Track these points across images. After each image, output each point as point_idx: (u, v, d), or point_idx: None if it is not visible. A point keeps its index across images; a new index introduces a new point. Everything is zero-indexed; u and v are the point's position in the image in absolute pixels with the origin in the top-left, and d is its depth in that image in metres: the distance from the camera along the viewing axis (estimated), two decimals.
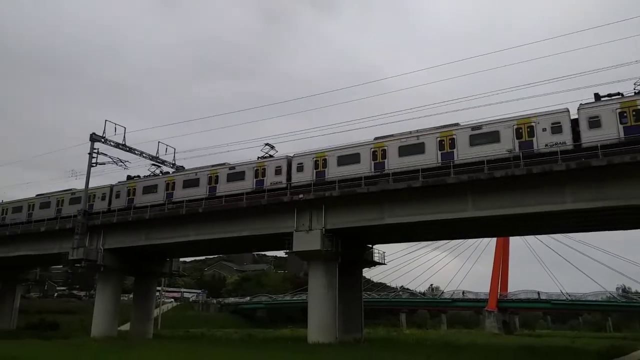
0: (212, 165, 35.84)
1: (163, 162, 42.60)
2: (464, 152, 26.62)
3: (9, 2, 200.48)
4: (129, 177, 40.95)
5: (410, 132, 29.10)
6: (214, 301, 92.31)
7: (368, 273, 59.96)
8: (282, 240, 31.73)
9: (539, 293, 70.10)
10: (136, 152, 41.21)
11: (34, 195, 45.96)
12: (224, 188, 34.04)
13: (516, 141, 25.28)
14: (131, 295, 51.70)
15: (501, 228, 35.76)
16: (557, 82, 27.95)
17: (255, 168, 33.25)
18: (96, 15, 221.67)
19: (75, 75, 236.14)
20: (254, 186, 32.78)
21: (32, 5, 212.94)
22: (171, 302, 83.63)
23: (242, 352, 22.97)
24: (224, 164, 35.54)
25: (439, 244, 72.40)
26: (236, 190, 33.24)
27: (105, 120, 39.46)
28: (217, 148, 64.73)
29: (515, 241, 77.79)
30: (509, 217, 26.98)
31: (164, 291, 70.39)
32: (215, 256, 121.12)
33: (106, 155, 39.90)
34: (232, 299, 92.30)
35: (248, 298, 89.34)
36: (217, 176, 34.80)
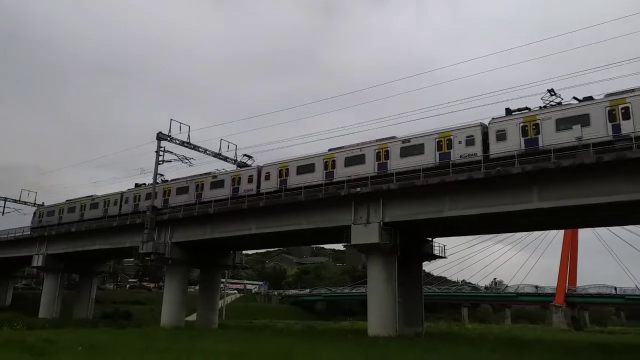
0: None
1: (226, 159, 43.94)
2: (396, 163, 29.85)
3: (75, 9, 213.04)
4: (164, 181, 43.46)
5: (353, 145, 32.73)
6: (275, 293, 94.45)
7: (428, 267, 59.15)
8: (341, 233, 31.98)
9: (615, 288, 66.20)
10: (200, 149, 42.77)
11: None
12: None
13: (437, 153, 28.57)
14: (197, 287, 53.88)
15: (569, 220, 34.03)
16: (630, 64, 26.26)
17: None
18: (155, 17, 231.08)
19: (138, 77, 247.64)
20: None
21: (95, 12, 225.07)
22: (234, 293, 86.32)
23: (304, 343, 23.42)
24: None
25: (502, 236, 70.23)
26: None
27: (171, 120, 41.22)
28: (277, 144, 65.81)
29: (584, 233, 73.93)
30: (576, 207, 25.72)
31: (227, 283, 72.77)
32: (276, 249, 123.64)
33: (172, 153, 41.73)
34: (292, 291, 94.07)
35: (308, 290, 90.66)
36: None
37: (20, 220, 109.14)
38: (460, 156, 27.70)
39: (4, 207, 67.25)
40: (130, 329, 33.27)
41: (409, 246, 32.60)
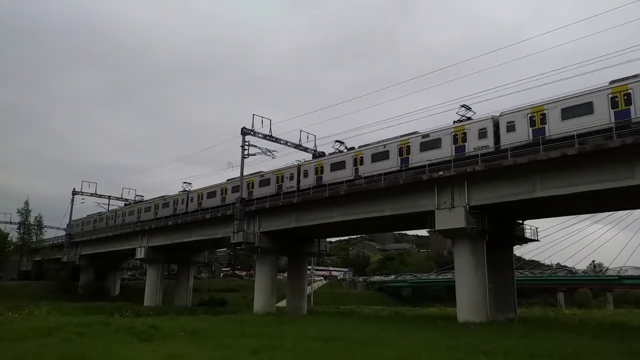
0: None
1: (306, 149, 44.86)
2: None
3: (154, 14, 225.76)
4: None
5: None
6: (360, 279, 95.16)
7: (519, 250, 56.57)
8: (424, 219, 31.54)
9: None
10: (281, 141, 44.04)
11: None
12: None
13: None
14: (286, 274, 55.75)
15: None
16: None
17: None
18: (229, 15, 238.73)
19: (220, 76, 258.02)
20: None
21: (174, 14, 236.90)
22: (321, 280, 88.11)
23: (393, 328, 23.53)
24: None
25: (600, 216, 65.17)
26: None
27: (253, 115, 42.76)
28: (355, 131, 65.78)
29: None
30: None
31: (314, 270, 74.46)
32: (358, 236, 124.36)
33: (256, 146, 43.34)
34: (377, 278, 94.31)
35: (393, 276, 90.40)
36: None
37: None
38: (474, 148, 28.96)
39: (109, 204, 74.01)
40: (226, 316, 35.19)
41: (498, 229, 31.42)
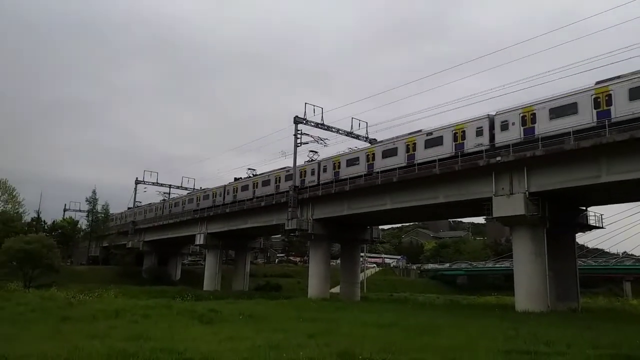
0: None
1: (357, 137, 44.78)
2: None
3: (207, 6, 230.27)
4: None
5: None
6: (414, 267, 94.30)
7: (582, 238, 54.14)
8: (480, 206, 30.77)
9: None
10: (333, 129, 44.22)
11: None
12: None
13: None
14: (339, 261, 56.17)
15: None
16: None
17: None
18: (279, 6, 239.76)
19: (271, 66, 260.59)
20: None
21: (226, 6, 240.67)
22: (373, 267, 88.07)
23: (448, 316, 23.28)
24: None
25: None
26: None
27: (305, 103, 43.17)
28: (408, 117, 64.82)
29: None
30: None
31: (366, 257, 74.54)
32: (411, 223, 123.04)
33: (308, 135, 43.73)
34: (431, 265, 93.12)
35: (447, 265, 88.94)
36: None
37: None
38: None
39: (169, 193, 77.19)
40: (282, 300, 35.98)
41: (560, 216, 30.21)
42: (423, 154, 33.92)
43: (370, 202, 38.40)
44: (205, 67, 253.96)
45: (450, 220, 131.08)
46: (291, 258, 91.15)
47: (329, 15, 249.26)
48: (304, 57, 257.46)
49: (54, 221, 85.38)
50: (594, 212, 34.21)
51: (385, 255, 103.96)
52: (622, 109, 24.35)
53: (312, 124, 43.42)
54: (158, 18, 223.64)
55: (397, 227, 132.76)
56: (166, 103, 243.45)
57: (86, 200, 79.63)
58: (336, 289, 50.88)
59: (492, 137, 30.19)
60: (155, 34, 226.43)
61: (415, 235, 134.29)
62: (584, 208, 34.03)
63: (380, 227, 53.47)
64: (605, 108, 25.00)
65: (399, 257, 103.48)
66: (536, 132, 27.65)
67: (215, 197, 58.22)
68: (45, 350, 9.79)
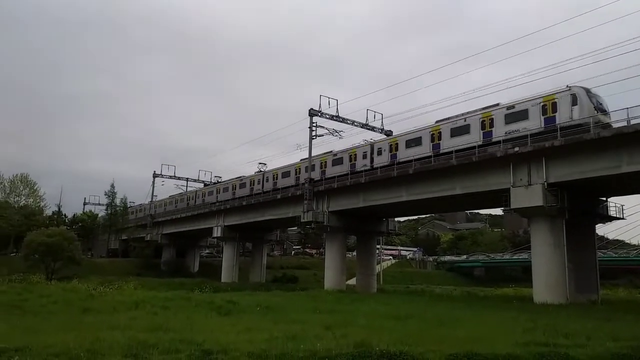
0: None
1: (372, 129, 44.59)
2: None
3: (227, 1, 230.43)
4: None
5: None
6: (430, 259, 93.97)
7: (602, 229, 53.27)
8: (497, 198, 30.51)
9: None
10: (348, 121, 44.09)
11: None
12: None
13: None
14: (355, 253, 56.24)
15: None
16: None
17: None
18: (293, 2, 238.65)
19: (285, 58, 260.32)
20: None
21: (246, 2, 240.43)
22: (389, 259, 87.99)
23: (466, 308, 23.18)
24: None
25: None
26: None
27: (320, 95, 43.06)
28: (422, 109, 64.34)
29: None
30: None
31: (382, 249, 74.49)
32: (428, 215, 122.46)
33: (323, 127, 43.69)
34: (448, 257, 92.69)
35: (464, 256, 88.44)
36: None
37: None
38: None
39: (187, 186, 77.98)
40: (298, 292, 36.21)
41: (579, 207, 29.80)
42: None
43: (386, 194, 38.29)
44: (218, 59, 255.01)
45: (468, 211, 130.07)
46: (307, 250, 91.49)
47: (342, 4, 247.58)
48: (317, 47, 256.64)
49: (74, 215, 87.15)
50: (614, 203, 33.70)
51: (402, 247, 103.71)
52: (499, 130, 30.60)
53: (327, 116, 43.35)
54: (172, 11, 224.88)
55: (414, 219, 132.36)
56: (182, 95, 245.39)
57: (105, 194, 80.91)
58: (352, 281, 50.98)
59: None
60: (169, 27, 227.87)
61: (431, 227, 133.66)
62: (604, 199, 33.50)
63: (396, 219, 53.34)
64: (488, 129, 31.42)
65: (415, 249, 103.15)
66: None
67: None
68: (68, 340, 10.01)
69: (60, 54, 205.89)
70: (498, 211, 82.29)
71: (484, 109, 32.26)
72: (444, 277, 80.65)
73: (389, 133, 43.58)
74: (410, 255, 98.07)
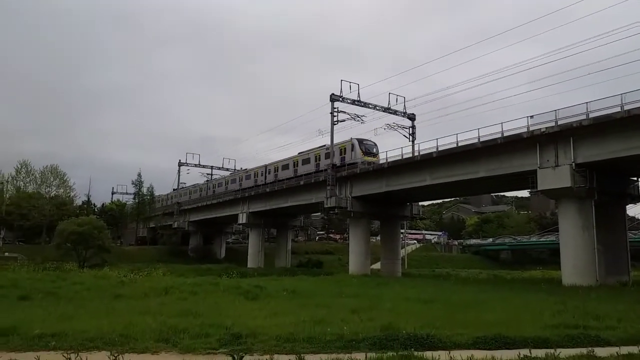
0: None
1: (395, 112, 44.17)
2: None
3: None
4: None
5: None
6: (455, 242, 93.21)
7: (633, 210, 51.80)
8: (523, 179, 29.98)
9: None
10: (370, 106, 43.76)
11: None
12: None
13: None
14: (379, 237, 56.20)
15: None
16: None
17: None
18: None
19: (303, 44, 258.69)
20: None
21: None
22: (414, 243, 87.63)
23: (492, 291, 23.02)
24: None
25: None
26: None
27: (341, 80, 42.81)
28: (446, 91, 63.18)
29: None
30: None
31: (406, 233, 74.22)
32: (452, 199, 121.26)
33: (345, 112, 43.48)
34: (473, 241, 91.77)
35: (490, 240, 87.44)
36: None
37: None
38: None
39: (211, 174, 78.85)
40: (323, 277, 36.44)
41: (609, 188, 29.06)
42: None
43: (409, 179, 38.04)
44: (236, 47, 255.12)
45: (493, 194, 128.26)
46: (331, 235, 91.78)
47: None
48: (334, 33, 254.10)
49: (103, 204, 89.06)
50: None
51: (426, 232, 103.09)
52: (322, 163, 45.69)
53: (349, 101, 43.09)
54: (187, 1, 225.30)
55: (438, 203, 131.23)
56: (202, 86, 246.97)
57: (132, 183, 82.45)
58: (377, 266, 51.03)
59: None
60: (185, 17, 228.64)
61: (456, 210, 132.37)
62: (635, 179, 32.59)
63: (420, 203, 53.04)
64: (317, 162, 47.38)
65: (439, 233, 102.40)
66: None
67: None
68: (102, 326, 10.34)
69: (79, 50, 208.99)
70: (524, 193, 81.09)
71: (318, 148, 48.12)
72: (469, 260, 80.00)
73: (411, 116, 43.13)
74: (435, 240, 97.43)
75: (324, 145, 46.89)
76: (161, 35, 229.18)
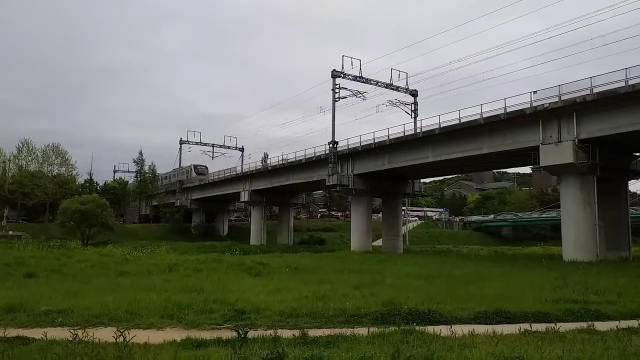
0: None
1: (397, 88, 43.77)
2: None
3: None
4: None
5: None
6: (457, 219, 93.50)
7: (635, 185, 51.88)
8: (525, 156, 29.89)
9: None
10: (372, 82, 43.30)
11: None
12: None
13: None
14: (380, 214, 56.43)
15: None
16: None
17: None
18: None
19: (305, 21, 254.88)
20: None
21: None
22: (415, 220, 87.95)
23: (493, 267, 23.18)
24: None
25: None
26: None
27: (343, 56, 42.22)
28: (450, 66, 61.99)
29: None
30: None
31: (408, 210, 74.45)
32: (454, 176, 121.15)
33: (346, 89, 43.05)
34: (475, 217, 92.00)
35: (492, 216, 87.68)
36: None
37: (227, 162, 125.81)
38: None
39: (213, 152, 78.71)
40: (326, 253, 36.74)
41: (611, 164, 28.98)
42: None
43: (411, 156, 37.94)
44: (236, 23, 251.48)
45: (495, 171, 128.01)
46: (333, 213, 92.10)
47: None
48: (333, 8, 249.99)
49: (105, 182, 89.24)
50: None
51: (427, 209, 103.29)
52: None
53: (350, 77, 42.65)
54: None
55: (439, 180, 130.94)
56: (202, 63, 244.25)
57: (134, 161, 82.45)
58: (378, 242, 51.35)
59: None
60: None
61: (458, 187, 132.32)
62: (638, 154, 32.48)
63: (422, 180, 53.08)
64: None
65: (441, 209, 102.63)
66: None
67: None
68: (107, 302, 10.47)
69: (80, 27, 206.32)
70: (526, 169, 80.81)
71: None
72: (470, 237, 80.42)
73: (414, 93, 42.76)
74: (437, 216, 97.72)
75: None
76: (161, 12, 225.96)
